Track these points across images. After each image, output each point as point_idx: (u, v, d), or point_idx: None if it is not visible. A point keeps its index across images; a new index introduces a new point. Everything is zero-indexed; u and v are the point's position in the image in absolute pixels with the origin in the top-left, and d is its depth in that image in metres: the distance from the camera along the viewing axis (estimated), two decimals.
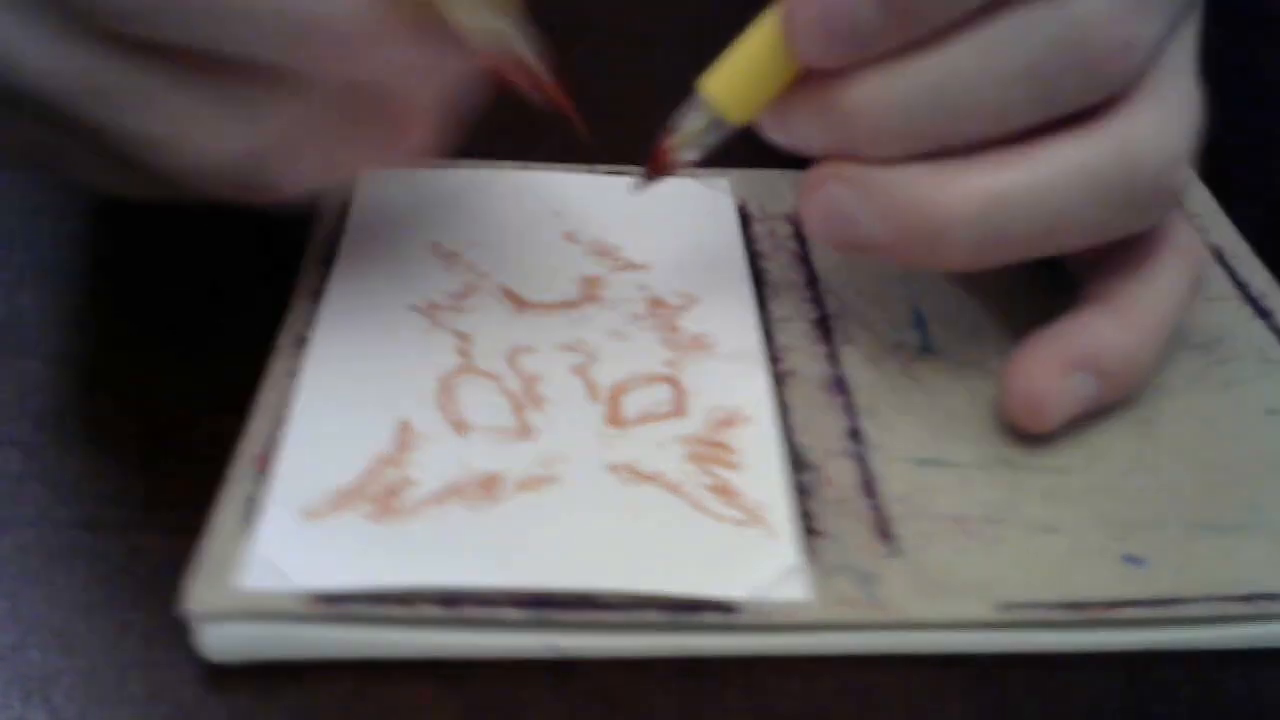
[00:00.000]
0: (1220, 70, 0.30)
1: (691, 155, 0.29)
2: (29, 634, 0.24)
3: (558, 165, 0.36)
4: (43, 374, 0.30)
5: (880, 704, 0.25)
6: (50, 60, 0.25)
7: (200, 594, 0.24)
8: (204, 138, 0.25)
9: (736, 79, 0.28)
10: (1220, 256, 0.35)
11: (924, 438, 0.29)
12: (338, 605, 0.24)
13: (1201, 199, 0.37)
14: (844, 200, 0.27)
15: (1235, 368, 0.31)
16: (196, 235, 0.33)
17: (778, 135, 0.28)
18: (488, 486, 0.26)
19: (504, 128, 0.33)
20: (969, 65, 0.26)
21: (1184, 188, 0.28)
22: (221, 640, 0.24)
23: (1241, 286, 0.34)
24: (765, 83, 0.27)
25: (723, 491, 0.27)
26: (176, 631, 0.24)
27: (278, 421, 0.28)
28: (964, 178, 0.27)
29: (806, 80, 0.27)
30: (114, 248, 0.34)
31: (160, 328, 0.31)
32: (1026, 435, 0.29)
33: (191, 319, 0.32)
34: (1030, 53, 0.26)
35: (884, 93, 0.26)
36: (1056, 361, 0.28)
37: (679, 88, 0.29)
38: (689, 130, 0.29)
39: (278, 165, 0.27)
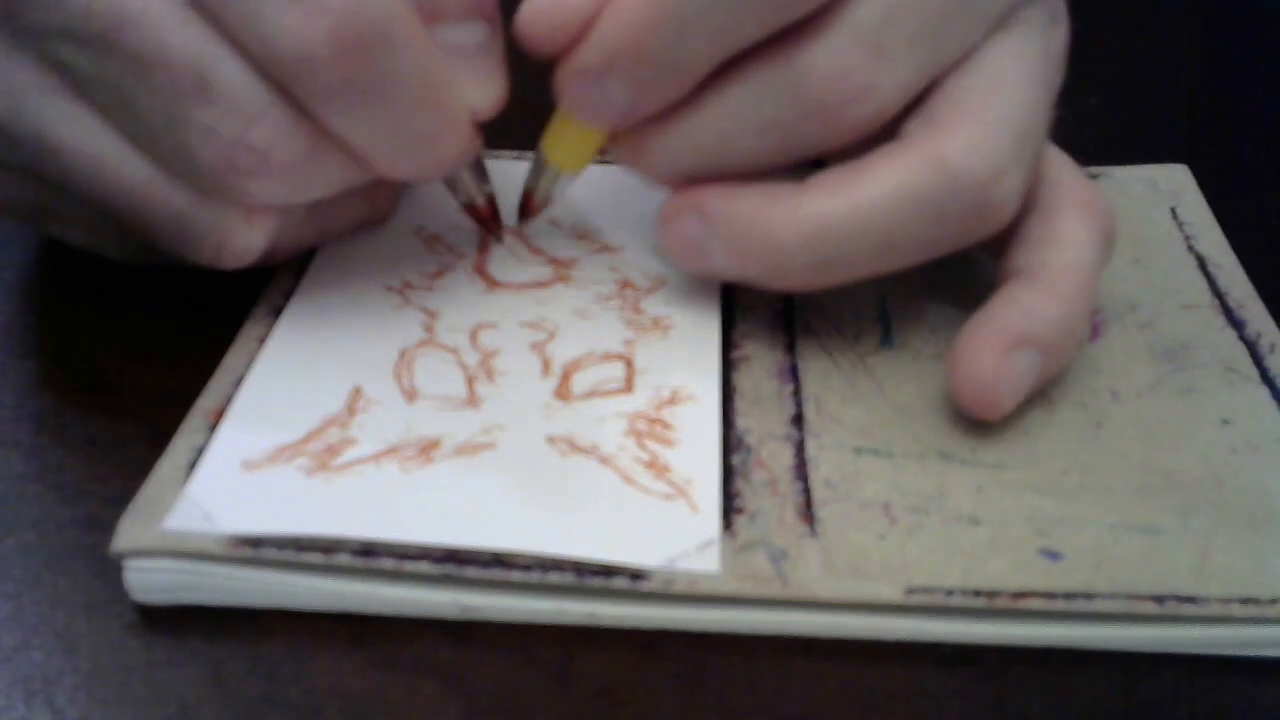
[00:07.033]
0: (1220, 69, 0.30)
1: (551, 204, 0.33)
2: (32, 635, 0.25)
3: None
4: (44, 375, 0.31)
5: (884, 704, 0.25)
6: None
7: (127, 532, 0.25)
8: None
9: (564, 140, 0.31)
10: (1202, 264, 0.34)
11: (866, 428, 0.29)
12: (257, 549, 0.25)
13: (1194, 205, 0.37)
14: (695, 232, 0.30)
15: (1196, 376, 0.31)
16: None
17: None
18: (426, 450, 0.28)
19: (500, 119, 0.34)
20: (722, 121, 0.29)
21: (1014, 197, 0.29)
22: (144, 578, 0.25)
23: (1219, 295, 0.33)
24: (587, 139, 0.31)
25: (654, 466, 0.28)
26: (181, 631, 0.25)
27: (238, 381, 0.29)
28: (796, 206, 0.29)
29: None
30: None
31: (161, 328, 0.32)
32: (979, 425, 0.29)
33: (192, 319, 0.32)
34: (766, 108, 0.28)
35: (667, 143, 0.29)
36: (997, 343, 0.28)
37: None
38: (541, 185, 0.33)
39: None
